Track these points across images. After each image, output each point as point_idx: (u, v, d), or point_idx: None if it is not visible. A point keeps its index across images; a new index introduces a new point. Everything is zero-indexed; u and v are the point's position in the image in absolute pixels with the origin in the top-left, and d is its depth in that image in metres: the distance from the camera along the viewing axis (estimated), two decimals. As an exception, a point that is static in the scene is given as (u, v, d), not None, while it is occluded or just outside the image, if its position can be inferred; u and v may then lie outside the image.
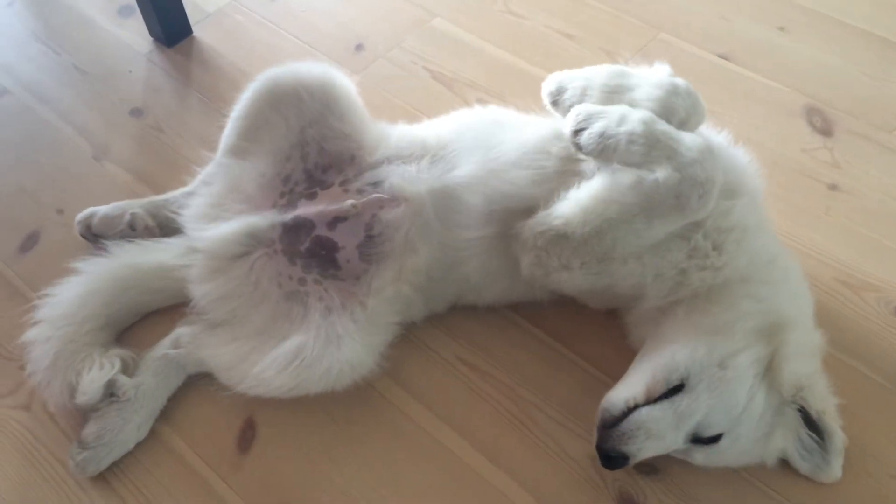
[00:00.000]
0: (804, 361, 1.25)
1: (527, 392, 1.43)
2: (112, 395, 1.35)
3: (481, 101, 1.91)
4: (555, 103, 1.33)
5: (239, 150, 1.51)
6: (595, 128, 1.21)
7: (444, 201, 1.38)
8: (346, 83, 1.50)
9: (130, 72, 2.03)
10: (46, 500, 1.32)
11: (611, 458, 1.19)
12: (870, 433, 1.33)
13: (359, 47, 2.08)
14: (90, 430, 1.34)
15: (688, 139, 1.18)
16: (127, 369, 1.40)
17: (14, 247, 1.67)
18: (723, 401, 1.17)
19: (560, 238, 1.26)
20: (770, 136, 1.82)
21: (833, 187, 1.72)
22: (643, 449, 1.17)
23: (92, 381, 1.33)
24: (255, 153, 1.49)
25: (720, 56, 2.01)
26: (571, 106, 1.28)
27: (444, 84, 1.98)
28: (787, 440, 1.26)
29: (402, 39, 2.09)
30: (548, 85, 1.34)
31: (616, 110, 1.22)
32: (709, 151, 1.17)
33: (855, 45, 2.01)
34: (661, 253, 1.25)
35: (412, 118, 1.85)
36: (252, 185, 1.46)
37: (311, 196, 1.44)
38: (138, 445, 1.37)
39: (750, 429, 1.20)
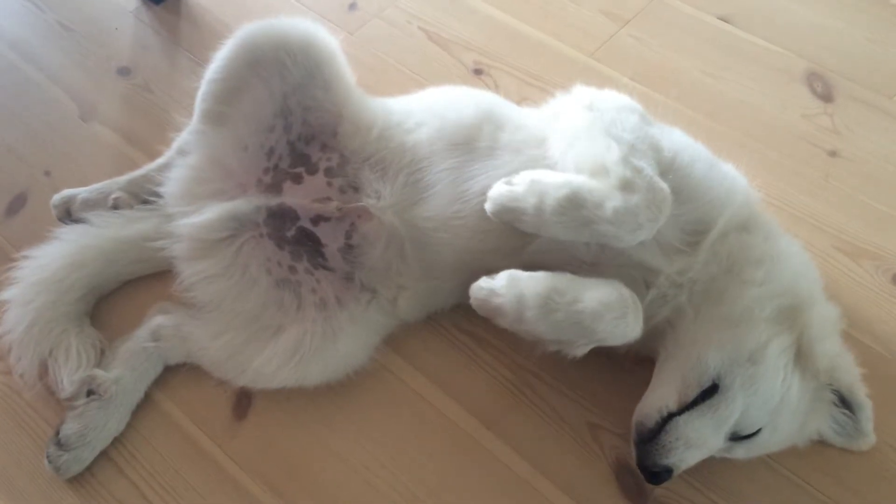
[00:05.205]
0: (831, 340, 1.24)
1: (524, 360, 1.42)
2: (90, 392, 1.32)
3: (477, 64, 1.88)
4: (506, 222, 1.22)
5: (216, 116, 1.42)
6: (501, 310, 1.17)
7: (416, 236, 1.34)
8: (330, 44, 1.41)
9: (117, 29, 1.98)
10: (39, 465, 1.31)
11: (655, 473, 1.16)
12: (868, 402, 1.33)
13: (352, 6, 2.03)
14: (71, 431, 1.29)
15: (589, 317, 1.11)
16: (99, 358, 1.37)
17: (1, 209, 1.63)
18: (759, 396, 1.15)
19: None
20: (770, 100, 1.80)
21: (833, 154, 1.70)
22: (686, 459, 1.15)
23: (72, 383, 1.31)
24: (234, 119, 1.40)
25: (720, 18, 1.97)
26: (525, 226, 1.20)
27: (440, 45, 1.94)
28: (820, 420, 1.26)
29: (396, -2, 2.04)
30: (494, 203, 1.20)
31: (511, 296, 1.14)
32: (618, 315, 1.12)
33: (858, 8, 1.98)
34: None
35: (406, 80, 1.83)
36: (235, 160, 1.40)
37: (297, 179, 1.39)
38: (133, 413, 1.35)
39: (788, 418, 1.19)
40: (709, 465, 1.22)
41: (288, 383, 1.33)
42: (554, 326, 1.14)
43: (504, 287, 1.16)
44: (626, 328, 1.13)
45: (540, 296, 1.13)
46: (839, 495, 1.27)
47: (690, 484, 1.28)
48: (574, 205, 1.14)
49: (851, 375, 1.26)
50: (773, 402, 1.16)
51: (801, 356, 1.19)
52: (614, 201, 1.13)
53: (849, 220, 1.59)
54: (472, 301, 1.20)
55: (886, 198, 1.62)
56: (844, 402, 1.26)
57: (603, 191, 1.14)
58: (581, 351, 1.18)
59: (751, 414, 1.15)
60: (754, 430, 1.17)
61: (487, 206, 1.21)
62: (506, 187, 1.20)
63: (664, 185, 1.15)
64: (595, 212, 1.13)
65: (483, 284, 1.19)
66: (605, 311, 1.12)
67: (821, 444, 1.30)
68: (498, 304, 1.16)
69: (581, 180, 1.16)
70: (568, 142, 1.25)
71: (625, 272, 1.23)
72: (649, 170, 1.15)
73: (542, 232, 1.20)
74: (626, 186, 1.13)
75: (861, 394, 1.26)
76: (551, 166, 1.25)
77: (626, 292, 1.15)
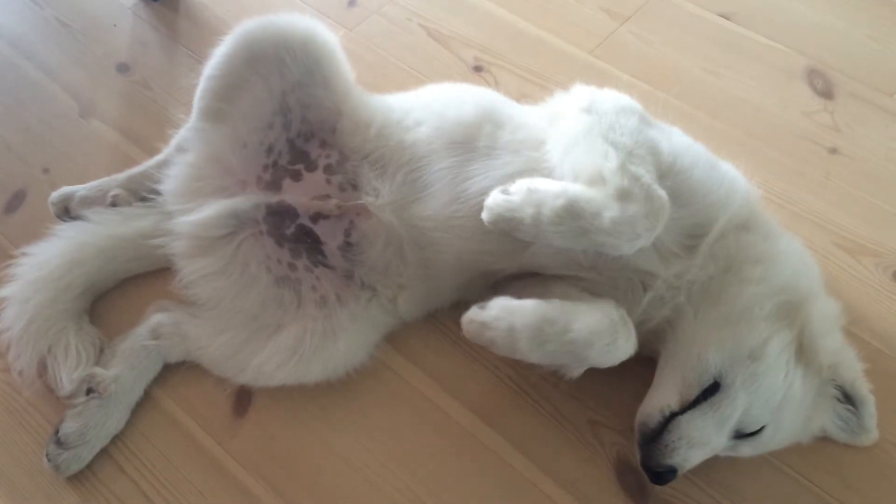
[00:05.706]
0: (833, 336, 1.24)
1: (525, 357, 1.42)
2: (90, 390, 1.31)
3: (477, 61, 1.88)
4: (503, 231, 1.19)
5: (215, 113, 1.41)
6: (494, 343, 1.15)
7: (415, 235, 1.33)
8: (329, 41, 1.40)
9: (115, 25, 1.97)
10: (38, 463, 1.31)
11: (659, 473, 1.16)
12: (868, 399, 1.33)
13: (351, 2, 2.02)
14: (71, 429, 1.29)
15: (580, 345, 1.11)
16: (98, 356, 1.37)
17: (-1, 206, 1.63)
18: (761, 393, 1.15)
19: None
20: (770, 98, 1.80)
21: (833, 151, 1.70)
22: (689, 458, 1.15)
23: (71, 381, 1.31)
24: (232, 117, 1.40)
25: (721, 15, 1.97)
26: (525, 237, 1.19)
27: (440, 41, 1.93)
28: (824, 416, 1.26)
29: (396, -6, 2.04)
30: (491, 213, 1.18)
31: (502, 329, 1.13)
32: (609, 342, 1.12)
33: (859, 7, 1.97)
34: None
35: (406, 77, 1.83)
36: (234, 157, 1.40)
37: (296, 176, 1.38)
38: (133, 411, 1.35)
39: (791, 414, 1.19)
40: (711, 464, 1.21)
41: (288, 381, 1.33)
42: (547, 355, 1.14)
43: (494, 319, 1.15)
44: (617, 352, 1.14)
45: (530, 327, 1.12)
46: (841, 493, 1.27)
47: (693, 482, 1.28)
48: (571, 215, 1.13)
49: (854, 371, 1.26)
50: (776, 399, 1.16)
51: (803, 352, 1.19)
52: (611, 211, 1.11)
53: (849, 218, 1.59)
54: (464, 332, 1.18)
55: (887, 195, 1.62)
56: (847, 397, 1.26)
57: (600, 200, 1.12)
58: (576, 373, 1.20)
59: (753, 411, 1.15)
60: (758, 428, 1.17)
61: (484, 216, 1.19)
62: (502, 196, 1.18)
63: (662, 193, 1.14)
64: (592, 222, 1.12)
65: (474, 317, 1.17)
66: (596, 339, 1.11)
67: (823, 441, 1.30)
68: (490, 336, 1.15)
69: (578, 189, 1.15)
70: (566, 147, 1.23)
71: (622, 276, 1.23)
72: (647, 177, 1.14)
73: (539, 241, 1.19)
74: (623, 196, 1.12)
75: (864, 389, 1.26)
76: (549, 170, 1.24)
77: (616, 316, 1.14)
